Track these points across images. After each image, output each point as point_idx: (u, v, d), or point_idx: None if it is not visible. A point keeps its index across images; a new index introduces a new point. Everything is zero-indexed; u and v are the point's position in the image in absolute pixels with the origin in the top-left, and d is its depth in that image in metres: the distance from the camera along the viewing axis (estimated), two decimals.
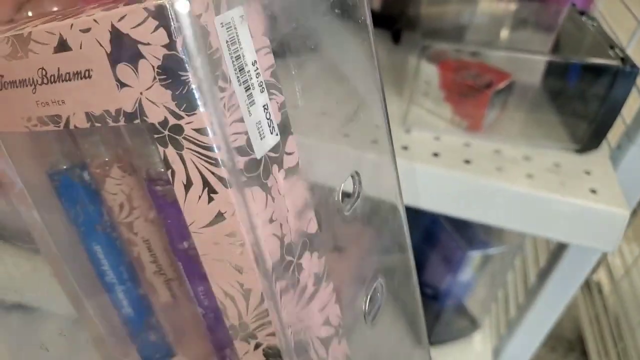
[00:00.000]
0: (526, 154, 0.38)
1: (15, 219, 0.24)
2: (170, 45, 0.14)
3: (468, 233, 0.50)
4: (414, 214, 0.37)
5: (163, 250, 0.26)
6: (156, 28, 0.14)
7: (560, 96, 0.40)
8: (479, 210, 0.37)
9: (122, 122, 0.16)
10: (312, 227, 0.21)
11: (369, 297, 0.25)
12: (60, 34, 0.16)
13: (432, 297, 0.54)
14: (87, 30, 0.15)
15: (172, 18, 0.14)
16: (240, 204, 0.17)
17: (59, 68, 0.17)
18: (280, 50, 0.19)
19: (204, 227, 0.17)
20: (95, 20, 0.15)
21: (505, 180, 0.35)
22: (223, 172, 0.16)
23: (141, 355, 0.28)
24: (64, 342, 0.27)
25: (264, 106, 0.17)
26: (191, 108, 0.15)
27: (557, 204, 0.35)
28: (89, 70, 0.16)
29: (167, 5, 0.14)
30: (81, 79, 0.16)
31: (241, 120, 0.16)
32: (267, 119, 0.17)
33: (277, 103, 0.18)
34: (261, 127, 0.17)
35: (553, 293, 0.47)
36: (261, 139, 0.17)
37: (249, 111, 0.16)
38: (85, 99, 0.17)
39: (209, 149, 0.15)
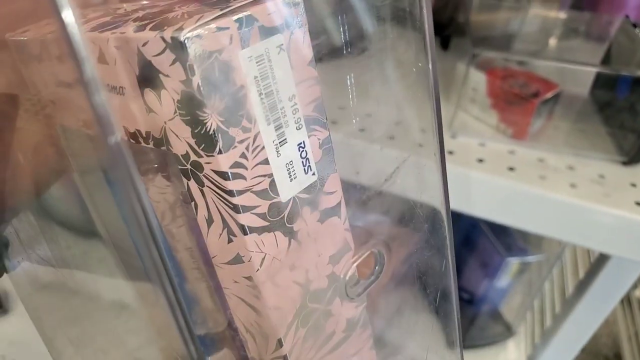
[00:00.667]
0: (570, 164, 0.38)
1: (71, 206, 0.24)
2: (187, 83, 0.13)
3: (507, 239, 0.50)
4: (454, 217, 0.37)
5: (204, 259, 0.26)
6: (174, 61, 0.13)
7: (609, 108, 0.40)
8: (521, 217, 0.37)
9: (151, 145, 0.15)
10: (350, 271, 0.19)
11: None
12: (99, 47, 0.15)
13: (467, 302, 0.55)
14: (119, 48, 0.14)
15: (187, 53, 0.12)
16: (258, 251, 0.16)
17: (101, 78, 0.16)
18: (332, 52, 0.19)
19: (224, 263, 0.17)
20: (125, 40, 0.14)
21: (549, 189, 0.36)
22: (241, 218, 0.15)
23: None
24: (108, 326, 0.28)
25: (299, 144, 0.16)
26: (210, 149, 0.14)
27: (600, 215, 0.35)
28: (122, 88, 0.15)
29: (182, 39, 0.12)
30: (117, 94, 0.15)
31: (266, 162, 0.15)
32: (302, 158, 0.16)
33: (319, 140, 0.16)
34: (292, 167, 0.16)
35: (591, 304, 0.46)
36: (291, 180, 0.16)
37: (278, 152, 0.15)
38: (121, 114, 0.16)
39: (228, 193, 0.14)
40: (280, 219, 0.16)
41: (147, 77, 0.14)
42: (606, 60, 0.42)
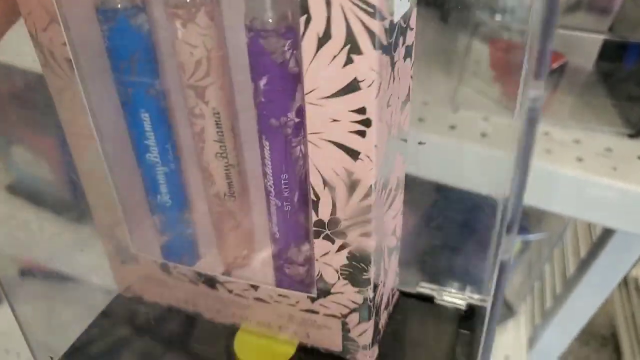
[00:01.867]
0: (576, 137, 0.37)
1: (46, 182, 0.22)
2: None
3: None
4: (456, 195, 0.36)
5: (230, 129, 0.21)
6: None
7: (615, 79, 0.39)
8: (526, 192, 0.36)
9: None
10: (406, 125, 0.18)
11: None
12: None
13: None
14: None
15: None
16: (378, 73, 0.13)
17: None
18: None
19: (326, 97, 0.14)
20: None
21: (555, 163, 0.35)
22: (376, 25, 0.12)
23: (166, 252, 0.23)
24: (80, 306, 0.27)
25: None
26: None
27: (608, 189, 0.34)
28: None
29: None
30: None
31: None
32: None
33: None
34: None
35: (593, 283, 0.46)
36: None
37: None
38: None
39: None
40: (390, 42, 0.14)
41: None
42: (612, 31, 0.41)
